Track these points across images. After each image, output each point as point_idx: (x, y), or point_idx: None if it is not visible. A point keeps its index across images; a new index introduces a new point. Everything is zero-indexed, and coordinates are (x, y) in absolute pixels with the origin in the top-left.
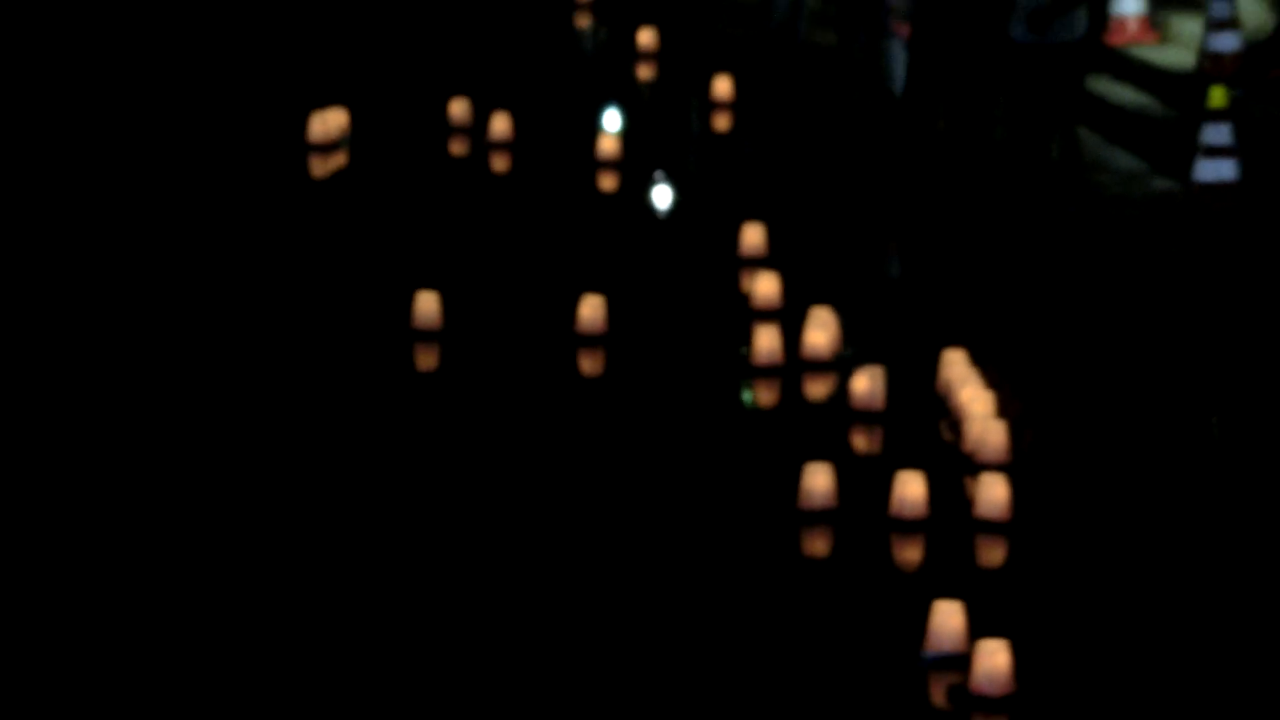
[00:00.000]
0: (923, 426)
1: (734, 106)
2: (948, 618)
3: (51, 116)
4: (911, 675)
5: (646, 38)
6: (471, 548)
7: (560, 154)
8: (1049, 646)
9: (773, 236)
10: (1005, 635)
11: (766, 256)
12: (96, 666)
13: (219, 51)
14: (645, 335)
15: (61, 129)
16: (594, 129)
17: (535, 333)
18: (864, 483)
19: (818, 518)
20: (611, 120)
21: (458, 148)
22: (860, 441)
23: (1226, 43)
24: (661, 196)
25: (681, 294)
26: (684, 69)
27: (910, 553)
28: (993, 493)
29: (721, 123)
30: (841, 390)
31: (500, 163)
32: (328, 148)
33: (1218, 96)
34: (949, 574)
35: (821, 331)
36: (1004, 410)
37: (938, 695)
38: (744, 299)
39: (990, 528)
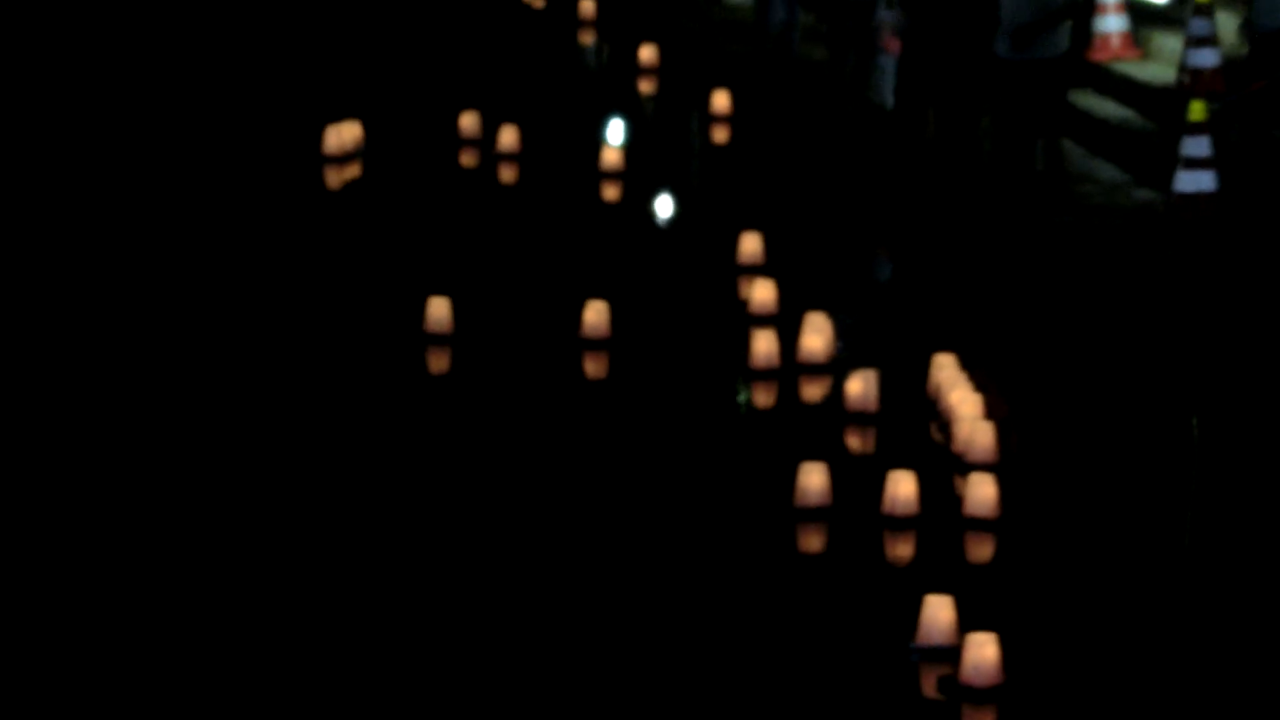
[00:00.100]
0: (914, 428)
1: (732, 120)
2: (938, 611)
3: (75, 131)
4: (903, 666)
5: (648, 54)
6: (480, 541)
7: (566, 165)
8: (1036, 639)
9: (769, 245)
10: (993, 628)
11: (763, 264)
12: (97, 667)
13: (239, 67)
14: (647, 339)
15: (85, 143)
16: (598, 141)
17: (542, 336)
18: (857, 481)
19: (813, 515)
20: (615, 133)
21: (467, 159)
22: (854, 442)
23: (1206, 58)
24: (663, 206)
25: (682, 300)
26: (684, 84)
27: (902, 549)
28: (981, 491)
29: (720, 135)
30: (836, 392)
31: (508, 173)
32: (342, 159)
33: (1197, 110)
34: (939, 569)
35: (817, 336)
36: (992, 412)
37: (929, 686)
38: (742, 305)
39: (979, 525)
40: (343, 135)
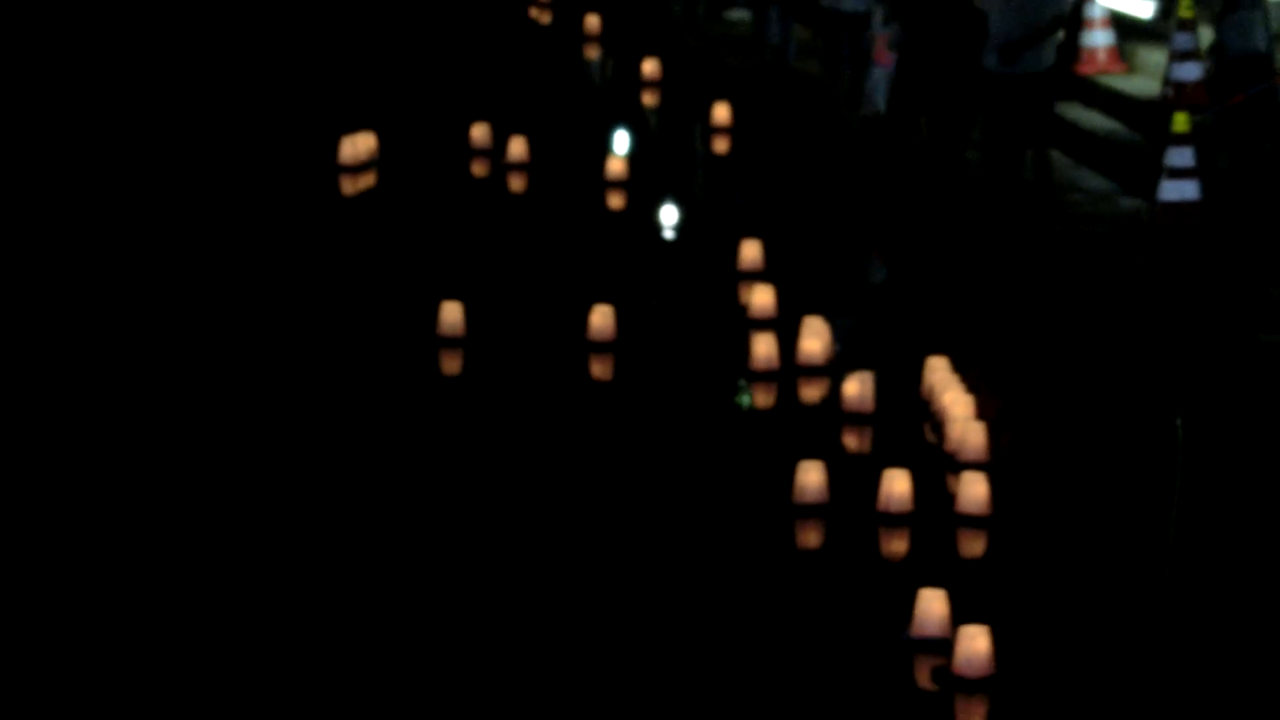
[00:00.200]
0: (908, 428)
1: (732, 130)
2: (932, 605)
3: (94, 140)
4: (898, 658)
5: (651, 67)
6: (489, 535)
7: (573, 174)
8: (1026, 631)
9: (769, 252)
10: (985, 621)
11: (763, 270)
12: (101, 666)
13: (257, 80)
14: (651, 342)
15: (104, 152)
16: (604, 151)
17: (550, 339)
18: (854, 480)
19: (810, 512)
20: (619, 143)
21: (478, 169)
22: (850, 441)
23: (1189, 72)
24: (667, 214)
25: (685, 304)
26: (686, 96)
27: (897, 545)
28: (973, 489)
29: (721, 145)
30: (833, 394)
31: (517, 183)
32: (357, 168)
33: (1181, 122)
34: (933, 564)
35: (815, 339)
36: (983, 412)
37: (922, 677)
38: (742, 309)
39: (971, 522)
40: (357, 145)
